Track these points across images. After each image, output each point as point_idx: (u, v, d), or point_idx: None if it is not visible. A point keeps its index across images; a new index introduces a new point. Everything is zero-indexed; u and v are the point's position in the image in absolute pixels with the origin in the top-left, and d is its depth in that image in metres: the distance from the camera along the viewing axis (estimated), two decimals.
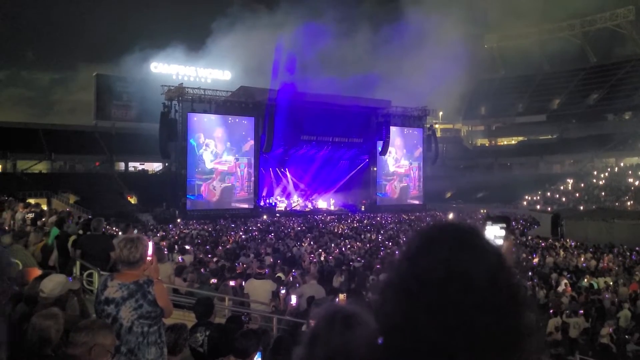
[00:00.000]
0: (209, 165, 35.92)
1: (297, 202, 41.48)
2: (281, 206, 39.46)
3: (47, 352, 2.43)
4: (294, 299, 7.00)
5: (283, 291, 8.30)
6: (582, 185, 43.65)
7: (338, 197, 43.18)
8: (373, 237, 23.22)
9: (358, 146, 42.38)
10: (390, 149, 42.50)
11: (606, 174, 45.38)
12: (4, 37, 49.03)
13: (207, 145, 35.91)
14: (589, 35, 65.22)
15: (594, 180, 44.26)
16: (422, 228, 0.82)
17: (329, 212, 39.32)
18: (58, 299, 3.06)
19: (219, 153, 36.35)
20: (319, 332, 0.98)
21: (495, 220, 1.23)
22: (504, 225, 1.22)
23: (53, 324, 2.48)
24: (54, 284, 3.09)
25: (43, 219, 9.60)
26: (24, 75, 48.60)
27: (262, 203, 38.62)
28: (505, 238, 1.18)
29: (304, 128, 37.91)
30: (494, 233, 1.19)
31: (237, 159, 37.05)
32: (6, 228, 7.65)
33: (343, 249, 18.47)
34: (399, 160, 44.42)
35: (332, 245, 19.54)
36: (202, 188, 35.48)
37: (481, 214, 38.71)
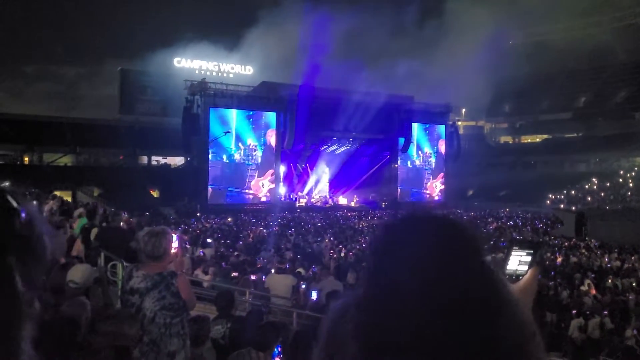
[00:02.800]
0: (232, 159, 36.34)
1: (317, 198, 41.52)
2: (302, 202, 39.54)
3: (76, 340, 2.48)
4: (314, 294, 7.03)
5: (303, 286, 8.35)
6: (608, 184, 42.78)
7: (359, 193, 43.07)
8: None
9: (379, 142, 42.19)
10: (411, 145, 42.22)
11: (633, 173, 44.37)
12: (32, 32, 49.99)
13: (230, 138, 36.38)
14: (617, 32, 63.71)
15: (620, 180, 43.33)
16: (389, 220, 0.78)
17: (349, 209, 39.27)
18: (87, 288, 3.13)
19: (240, 148, 36.64)
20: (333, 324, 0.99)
21: (523, 245, 1.10)
22: (532, 252, 1.09)
23: (82, 313, 2.53)
24: (82, 273, 3.16)
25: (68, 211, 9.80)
26: (51, 70, 49.50)
27: (282, 198, 38.75)
28: (530, 265, 1.07)
29: (325, 124, 37.87)
30: (519, 259, 1.08)
31: (257, 154, 37.26)
32: None
33: (364, 245, 18.44)
34: (420, 157, 44.11)
35: (353, 241, 19.52)
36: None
37: (504, 212, 38.30)
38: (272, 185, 37.20)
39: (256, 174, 36.81)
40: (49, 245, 0.62)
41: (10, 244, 0.59)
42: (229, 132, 35.92)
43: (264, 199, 36.86)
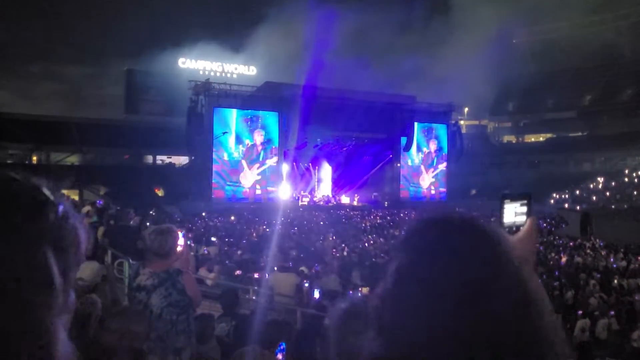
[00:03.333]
0: (236, 159, 36.49)
1: (320, 197, 41.55)
2: (304, 201, 39.59)
3: (86, 338, 2.53)
4: (317, 293, 7.07)
5: (306, 285, 8.39)
6: (613, 183, 42.59)
7: (361, 192, 43.08)
8: (397, 233, 23.14)
9: (382, 142, 42.17)
10: (413, 144, 42.18)
11: (639, 172, 44.17)
12: (38, 32, 50.20)
13: (234, 137, 36.54)
14: (622, 29, 63.36)
15: (626, 179, 43.14)
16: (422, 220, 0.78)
17: (352, 208, 39.29)
18: (94, 286, 3.18)
19: (244, 147, 36.81)
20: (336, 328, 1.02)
21: (515, 197, 1.11)
22: (525, 201, 1.10)
23: (92, 311, 2.58)
24: (89, 270, 3.21)
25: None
26: (57, 70, 49.75)
27: (285, 197, 38.82)
28: (528, 215, 1.08)
29: (328, 123, 37.89)
30: (514, 210, 1.09)
31: (261, 153, 37.41)
32: None
33: (366, 244, 18.47)
34: (423, 156, 44.07)
35: (355, 240, 19.55)
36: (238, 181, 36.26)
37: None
38: (259, 177, 37.28)
39: (245, 167, 36.91)
40: (84, 239, 0.67)
41: (46, 235, 0.61)
42: (226, 132, 36.12)
43: (258, 192, 36.96)
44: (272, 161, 37.84)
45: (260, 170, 37.30)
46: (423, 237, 0.75)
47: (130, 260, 5.11)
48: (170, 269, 2.94)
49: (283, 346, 3.33)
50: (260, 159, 37.38)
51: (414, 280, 0.71)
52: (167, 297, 2.90)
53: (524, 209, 1.10)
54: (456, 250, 0.71)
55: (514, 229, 1.06)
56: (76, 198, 22.58)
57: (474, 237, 0.73)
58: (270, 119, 37.86)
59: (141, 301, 2.89)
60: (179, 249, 3.03)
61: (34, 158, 40.08)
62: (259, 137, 37.37)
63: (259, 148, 37.41)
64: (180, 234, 3.08)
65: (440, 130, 44.76)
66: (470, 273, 0.69)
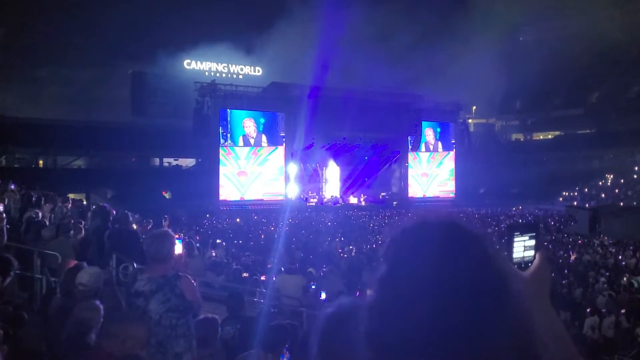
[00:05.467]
0: (242, 160, 36.55)
1: (328, 197, 41.52)
2: (312, 202, 39.58)
3: (87, 343, 2.52)
4: (323, 295, 7.06)
5: (314, 286, 8.38)
6: (622, 180, 42.29)
7: (369, 192, 43.01)
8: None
9: (389, 141, 42.12)
10: (421, 143, 42.05)
11: None
12: (44, 35, 50.50)
13: (241, 138, 36.61)
14: (630, 26, 62.85)
15: (635, 176, 42.80)
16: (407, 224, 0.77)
17: (360, 208, 39.23)
18: (95, 291, 3.18)
19: (251, 148, 36.92)
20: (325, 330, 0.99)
21: (523, 229, 1.06)
22: (533, 234, 1.06)
23: (94, 316, 2.57)
24: (89, 275, 3.21)
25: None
26: (63, 73, 49.99)
27: (293, 198, 38.84)
28: (537, 248, 1.04)
29: (335, 123, 37.90)
30: (523, 245, 1.04)
31: (268, 154, 37.47)
32: (46, 222, 7.94)
33: (374, 244, 18.43)
34: (431, 155, 43.96)
35: (363, 241, 19.52)
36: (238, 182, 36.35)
37: (516, 210, 38.01)
38: (266, 179, 37.67)
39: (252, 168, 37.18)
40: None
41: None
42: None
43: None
44: (278, 161, 37.86)
45: (265, 169, 37.33)
46: (402, 245, 0.75)
47: (135, 265, 5.11)
48: (168, 273, 2.93)
49: (287, 350, 3.32)
50: (267, 158, 37.40)
51: (395, 288, 0.71)
52: (165, 302, 2.89)
53: (532, 242, 1.06)
54: (435, 255, 0.71)
55: (522, 265, 1.04)
56: (83, 201, 22.68)
57: (455, 240, 0.73)
58: (277, 119, 37.92)
59: (140, 307, 2.88)
60: (176, 253, 3.02)
61: (41, 162, 40.31)
62: (264, 138, 37.43)
63: (265, 150, 37.45)
64: (177, 238, 3.07)
65: (448, 129, 44.63)
66: (451, 277, 0.69)
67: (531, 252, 1.04)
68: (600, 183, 43.53)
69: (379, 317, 0.72)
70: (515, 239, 1.05)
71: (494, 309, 0.68)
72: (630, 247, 20.13)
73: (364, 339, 0.73)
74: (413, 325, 0.68)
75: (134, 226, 7.40)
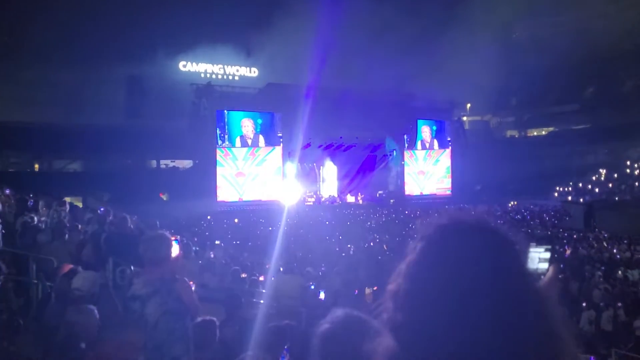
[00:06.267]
0: (240, 160, 36.55)
1: (325, 196, 41.55)
2: (310, 201, 39.59)
3: (80, 347, 2.51)
4: (322, 295, 7.07)
5: (312, 286, 8.39)
6: (616, 175, 42.47)
7: (366, 191, 43.07)
8: (403, 232, 23.11)
9: (385, 139, 42.20)
10: (417, 141, 42.13)
11: None
12: (37, 38, 50.28)
13: (238, 139, 36.60)
14: (623, 22, 63.08)
15: (628, 171, 42.99)
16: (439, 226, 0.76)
17: (357, 206, 39.27)
18: (91, 295, 3.17)
19: (249, 148, 36.91)
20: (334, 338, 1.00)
21: (540, 242, 1.12)
22: (549, 247, 1.11)
23: (87, 320, 2.56)
24: (85, 280, 3.20)
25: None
26: (57, 76, 49.75)
27: (291, 198, 38.82)
28: (551, 262, 1.07)
29: (332, 122, 37.93)
30: (539, 255, 1.08)
31: (265, 155, 37.46)
32: (42, 226, 7.93)
33: (372, 243, 18.47)
34: (427, 153, 44.03)
35: (361, 239, 19.54)
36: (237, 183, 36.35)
37: (512, 206, 38.14)
38: (263, 180, 37.67)
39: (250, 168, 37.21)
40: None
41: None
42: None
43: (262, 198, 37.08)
44: (275, 161, 37.87)
45: (263, 170, 37.34)
46: (444, 243, 0.74)
47: (132, 268, 5.12)
48: (164, 276, 2.92)
49: (286, 351, 3.32)
50: (264, 159, 37.41)
51: (434, 284, 0.71)
52: (162, 306, 2.87)
53: (547, 254, 1.09)
54: (476, 256, 0.71)
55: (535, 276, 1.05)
56: (80, 205, 22.63)
57: (493, 242, 0.73)
58: (274, 120, 37.92)
59: (136, 311, 2.87)
60: (173, 255, 3.02)
61: (36, 166, 40.17)
62: (262, 138, 37.43)
63: (262, 150, 37.45)
64: (173, 240, 3.07)
65: (444, 126, 44.73)
66: (490, 278, 0.69)
67: (545, 265, 1.06)
68: (595, 178, 43.71)
69: (409, 310, 0.71)
70: (531, 250, 1.06)
71: (534, 321, 0.68)
72: (625, 241, 20.24)
73: (388, 331, 0.73)
74: (443, 322, 0.67)
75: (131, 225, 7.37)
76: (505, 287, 0.70)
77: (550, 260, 1.07)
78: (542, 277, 1.03)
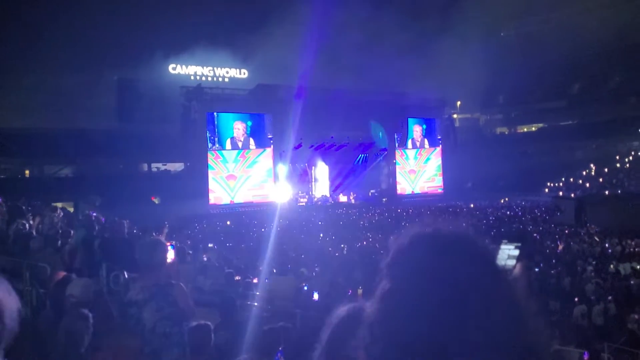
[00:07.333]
0: (231, 163, 36.52)
1: (318, 196, 41.58)
2: (302, 201, 39.60)
3: (79, 353, 2.52)
4: (316, 295, 7.10)
5: (306, 287, 8.41)
6: (606, 170, 42.84)
7: (358, 190, 43.15)
8: (396, 230, 23.12)
9: (376, 139, 42.33)
10: (408, 140, 42.27)
11: (630, 157, 44.45)
12: (27, 43, 49.94)
13: (228, 142, 36.55)
14: (609, 18, 63.61)
15: (618, 165, 43.39)
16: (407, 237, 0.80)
17: (350, 206, 39.35)
18: (87, 302, 3.18)
19: (239, 151, 36.88)
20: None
21: (512, 239, 1.14)
22: (519, 244, 1.13)
23: (83, 326, 2.58)
24: (80, 287, 3.21)
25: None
26: (47, 81, 49.37)
27: (283, 199, 38.80)
28: (519, 259, 1.09)
29: (322, 123, 37.99)
30: (508, 253, 1.10)
31: (256, 157, 37.45)
32: (33, 232, 7.89)
33: (365, 242, 18.51)
34: (418, 152, 44.20)
35: (355, 239, 19.58)
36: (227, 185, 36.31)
37: (503, 202, 38.37)
38: (255, 181, 37.74)
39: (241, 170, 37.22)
40: (9, 309, 0.69)
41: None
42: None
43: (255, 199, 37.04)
44: (266, 162, 37.86)
45: (254, 171, 37.33)
46: (415, 255, 0.77)
47: (126, 273, 5.12)
48: (160, 281, 2.95)
49: (280, 354, 3.35)
50: (255, 161, 37.40)
51: (406, 296, 0.73)
52: (159, 311, 2.90)
53: (516, 252, 1.11)
54: (447, 268, 0.73)
55: None
56: (71, 210, 22.51)
57: (466, 254, 0.75)
58: (264, 121, 37.91)
59: (132, 316, 2.89)
60: (168, 260, 3.04)
61: (27, 172, 39.84)
62: (252, 140, 37.42)
63: (253, 152, 37.43)
64: (169, 246, 3.09)
65: (434, 125, 44.92)
66: (463, 289, 0.71)
67: (513, 262, 1.09)
68: (585, 173, 44.05)
69: (386, 321, 0.74)
70: (502, 246, 1.11)
71: (509, 323, 0.71)
72: (616, 235, 20.40)
73: (371, 336, 0.75)
74: (417, 331, 0.70)
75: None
76: (477, 292, 0.71)
77: (519, 258, 1.10)
78: (510, 272, 1.06)
